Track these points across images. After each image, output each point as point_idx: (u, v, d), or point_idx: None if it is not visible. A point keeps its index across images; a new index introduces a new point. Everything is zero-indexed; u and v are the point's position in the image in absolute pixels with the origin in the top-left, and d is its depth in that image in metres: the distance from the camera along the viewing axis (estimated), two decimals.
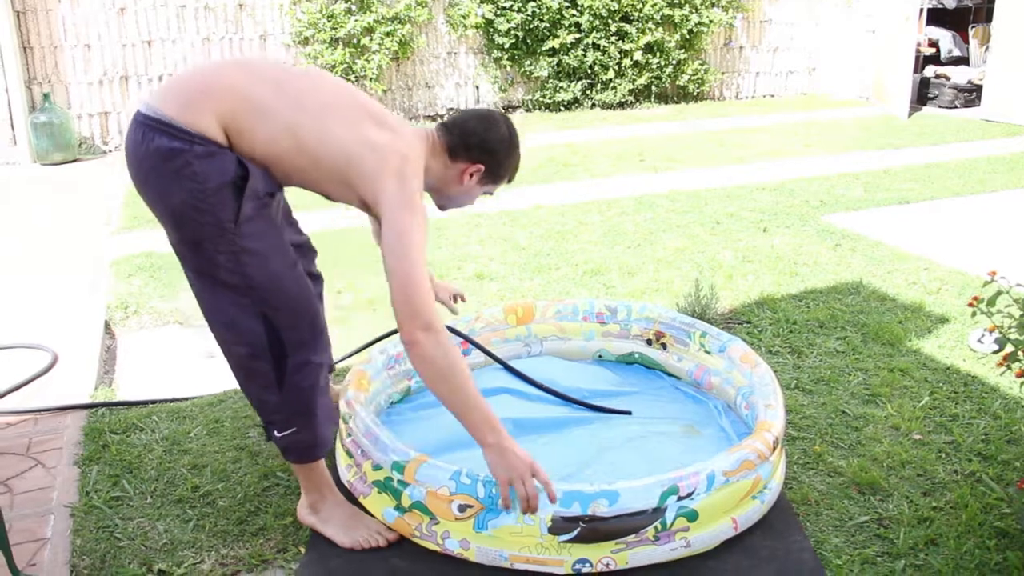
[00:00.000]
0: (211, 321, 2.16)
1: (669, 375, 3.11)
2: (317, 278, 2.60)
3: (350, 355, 3.23)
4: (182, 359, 3.48)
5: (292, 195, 2.39)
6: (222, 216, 2.00)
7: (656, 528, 2.11)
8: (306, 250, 2.56)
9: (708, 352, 2.99)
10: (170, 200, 2.01)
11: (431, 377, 2.04)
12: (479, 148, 2.27)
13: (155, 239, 4.93)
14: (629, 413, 2.83)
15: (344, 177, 2.11)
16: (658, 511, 2.11)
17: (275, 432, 2.19)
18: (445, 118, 2.44)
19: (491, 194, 2.41)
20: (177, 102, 2.00)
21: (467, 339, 2.97)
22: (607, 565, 2.11)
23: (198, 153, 1.97)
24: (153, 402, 3.05)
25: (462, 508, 2.14)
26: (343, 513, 2.29)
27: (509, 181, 2.41)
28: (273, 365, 2.11)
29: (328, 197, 2.23)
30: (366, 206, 2.17)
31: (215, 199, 1.99)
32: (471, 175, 2.29)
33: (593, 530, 2.08)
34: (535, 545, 2.10)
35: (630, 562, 2.11)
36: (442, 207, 2.42)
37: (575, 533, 2.08)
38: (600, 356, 3.21)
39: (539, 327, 3.21)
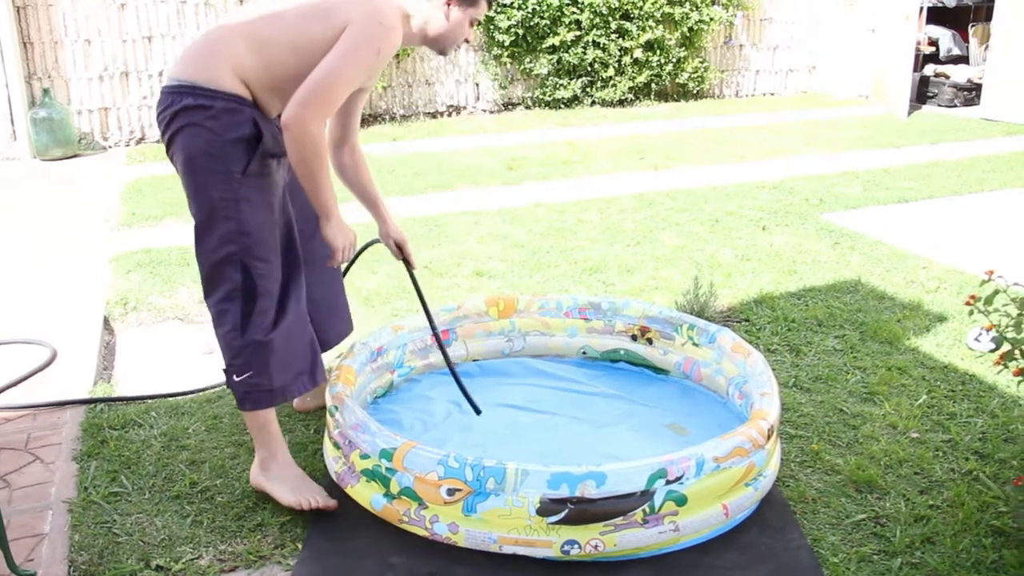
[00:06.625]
0: (200, 261, 2.34)
1: (657, 370, 3.11)
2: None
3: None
4: (181, 355, 3.48)
5: None
6: (232, 167, 2.23)
7: (644, 511, 2.13)
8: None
9: (696, 344, 3.00)
10: (190, 148, 2.24)
11: (297, 156, 2.20)
12: None
13: (154, 235, 4.93)
14: (477, 412, 2.75)
15: (320, 33, 2.25)
16: (646, 494, 2.12)
17: (234, 377, 2.35)
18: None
19: (479, 21, 2.53)
20: (195, 65, 2.23)
21: (435, 334, 2.83)
22: (595, 547, 2.12)
23: (221, 108, 2.20)
24: (152, 398, 3.06)
25: (451, 492, 2.16)
26: (291, 474, 2.43)
27: (490, 6, 2.52)
28: (242, 310, 2.30)
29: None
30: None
31: (230, 150, 2.22)
32: (448, 4, 2.43)
33: (581, 512, 2.10)
34: (523, 527, 2.12)
35: (619, 544, 2.13)
36: (442, 52, 2.51)
37: (563, 515, 2.10)
38: (584, 353, 3.21)
39: (522, 321, 3.21)
